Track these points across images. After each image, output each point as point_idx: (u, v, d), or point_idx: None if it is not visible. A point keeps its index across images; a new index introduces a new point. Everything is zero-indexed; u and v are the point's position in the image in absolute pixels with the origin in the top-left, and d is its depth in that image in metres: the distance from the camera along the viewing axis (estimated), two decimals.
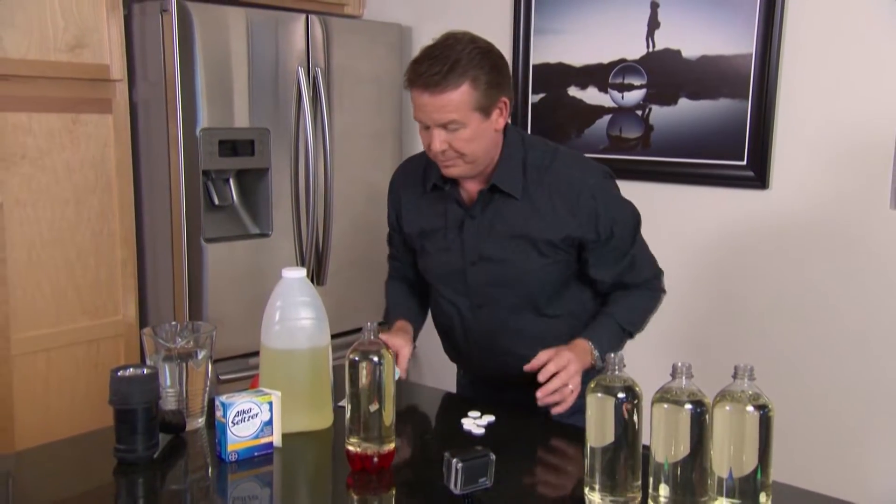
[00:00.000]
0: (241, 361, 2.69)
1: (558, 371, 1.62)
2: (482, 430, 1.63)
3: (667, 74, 2.61)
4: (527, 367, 1.64)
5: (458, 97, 1.60)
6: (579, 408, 1.35)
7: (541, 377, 1.62)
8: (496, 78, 1.65)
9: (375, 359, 1.41)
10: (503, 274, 1.78)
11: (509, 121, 1.76)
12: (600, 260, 1.79)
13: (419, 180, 1.86)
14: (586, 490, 1.30)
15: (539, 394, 1.61)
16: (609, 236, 1.76)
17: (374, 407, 1.41)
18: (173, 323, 1.69)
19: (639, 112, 2.69)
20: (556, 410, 1.63)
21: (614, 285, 1.83)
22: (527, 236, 1.75)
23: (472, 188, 1.78)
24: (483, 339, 1.86)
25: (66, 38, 2.43)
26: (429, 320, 2.01)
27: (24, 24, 2.35)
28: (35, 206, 2.43)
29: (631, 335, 1.83)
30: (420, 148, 1.79)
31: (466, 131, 1.64)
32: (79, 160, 2.51)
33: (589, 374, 1.61)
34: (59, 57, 2.42)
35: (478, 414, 1.69)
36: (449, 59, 1.59)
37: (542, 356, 1.64)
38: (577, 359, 1.66)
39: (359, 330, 1.45)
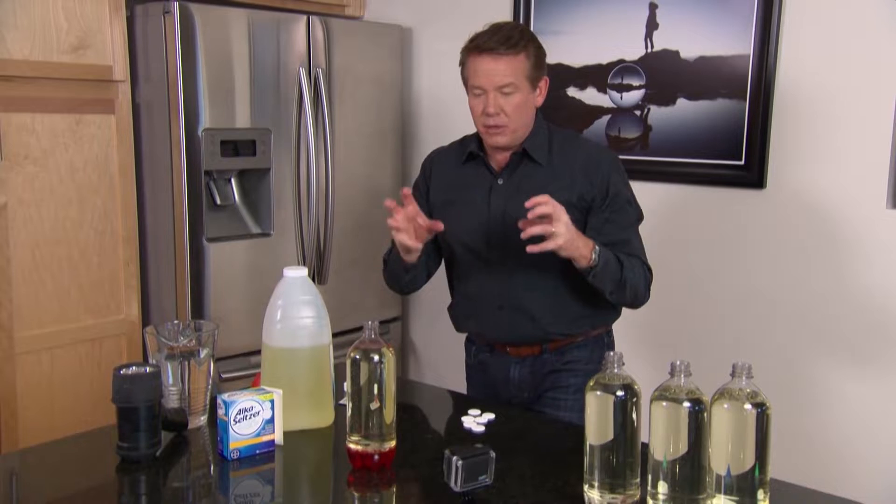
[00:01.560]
0: (242, 360, 2.70)
1: (552, 215, 1.68)
2: (482, 428, 1.65)
3: (665, 75, 2.62)
4: (528, 203, 1.69)
5: (518, 63, 1.83)
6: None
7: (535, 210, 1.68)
8: (541, 58, 1.90)
9: (376, 357, 1.42)
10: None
11: None
12: (596, 227, 1.86)
13: (452, 157, 2.05)
14: (585, 487, 1.31)
15: (521, 224, 1.72)
16: (613, 203, 1.88)
17: (374, 405, 1.43)
18: (176, 322, 1.70)
19: (637, 112, 2.70)
20: (531, 249, 1.69)
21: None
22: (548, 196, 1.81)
23: (501, 158, 1.95)
24: (500, 298, 1.95)
25: (70, 39, 2.44)
26: (436, 308, 2.02)
27: (28, 26, 2.36)
28: (39, 206, 2.44)
29: (623, 284, 1.84)
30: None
31: (518, 97, 1.84)
32: (82, 160, 2.52)
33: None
34: (63, 58, 2.43)
35: (478, 412, 1.71)
36: (512, 33, 1.84)
37: (543, 198, 1.69)
38: (575, 231, 1.72)
39: (360, 328, 1.46)
